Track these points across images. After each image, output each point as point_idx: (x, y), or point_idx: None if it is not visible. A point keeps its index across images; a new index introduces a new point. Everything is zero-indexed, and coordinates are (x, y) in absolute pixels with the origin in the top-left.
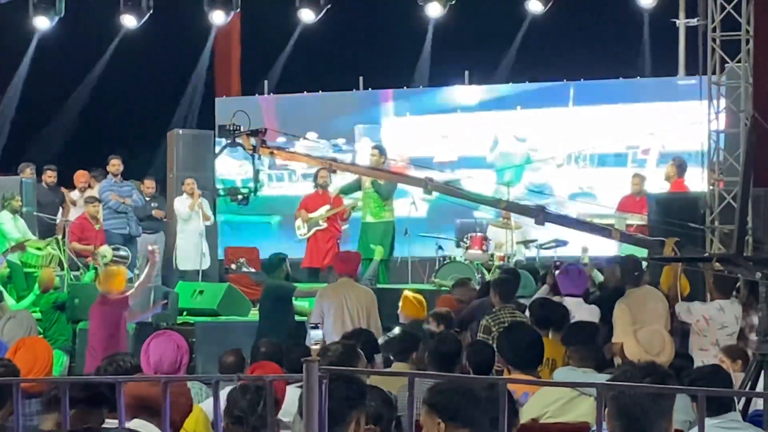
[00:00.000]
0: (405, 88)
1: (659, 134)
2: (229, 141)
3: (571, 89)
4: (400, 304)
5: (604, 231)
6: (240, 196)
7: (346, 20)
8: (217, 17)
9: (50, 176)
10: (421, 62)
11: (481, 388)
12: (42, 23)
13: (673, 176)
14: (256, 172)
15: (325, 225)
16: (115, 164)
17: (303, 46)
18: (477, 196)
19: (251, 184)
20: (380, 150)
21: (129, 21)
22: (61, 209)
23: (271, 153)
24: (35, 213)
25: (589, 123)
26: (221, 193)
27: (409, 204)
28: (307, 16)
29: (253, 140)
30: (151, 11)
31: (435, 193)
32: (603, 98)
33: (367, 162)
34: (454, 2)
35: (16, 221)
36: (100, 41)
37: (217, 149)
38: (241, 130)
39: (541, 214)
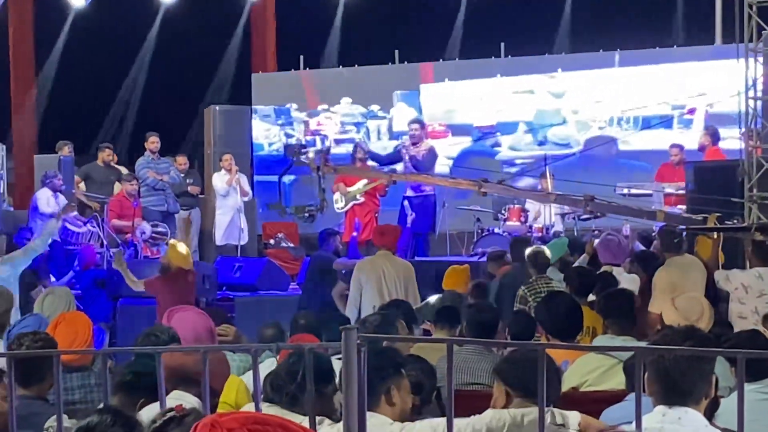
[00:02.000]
0: (441, 60)
1: (702, 96)
2: (294, 160)
3: (616, 55)
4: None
5: (650, 214)
6: (306, 214)
7: None
8: None
9: (108, 154)
10: (456, 35)
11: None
12: (77, 1)
13: (708, 145)
14: (322, 191)
15: (363, 199)
16: (153, 141)
17: (338, 21)
18: (527, 192)
19: (317, 203)
20: (420, 123)
21: None
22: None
23: (335, 170)
24: (73, 191)
25: (632, 85)
26: (289, 211)
27: (451, 178)
28: None
29: (316, 160)
30: None
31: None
32: (646, 61)
33: (407, 135)
34: None
35: (56, 199)
36: (135, 18)
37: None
38: (306, 149)
39: (590, 204)
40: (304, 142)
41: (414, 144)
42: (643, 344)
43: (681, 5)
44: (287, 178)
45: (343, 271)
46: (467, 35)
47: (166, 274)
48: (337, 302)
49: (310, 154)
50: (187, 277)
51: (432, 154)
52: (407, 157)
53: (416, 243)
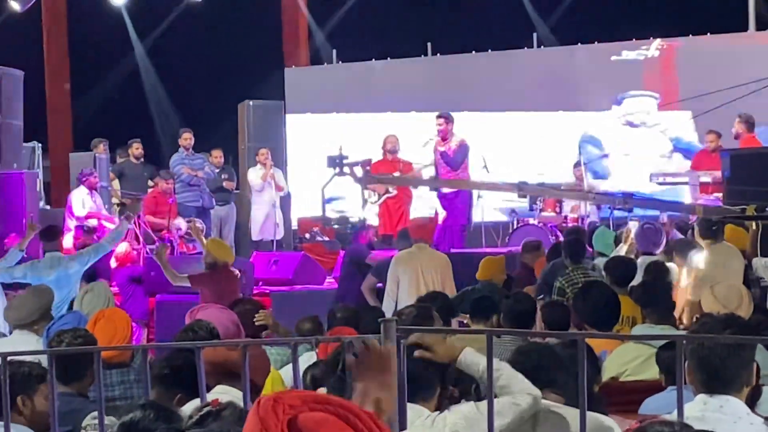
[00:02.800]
0: (473, 52)
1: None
2: (336, 171)
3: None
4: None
5: (689, 209)
6: (349, 227)
7: None
8: None
9: (137, 148)
10: (489, 26)
11: (564, 349)
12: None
13: (742, 133)
14: (364, 202)
15: (395, 191)
16: (187, 138)
17: (369, 14)
18: (565, 192)
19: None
20: (446, 117)
21: None
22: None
23: (378, 181)
24: (109, 188)
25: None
26: (333, 225)
27: (481, 168)
28: None
29: (359, 170)
30: None
31: None
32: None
33: (434, 130)
34: None
35: (92, 197)
36: (168, 14)
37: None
38: (348, 160)
39: (629, 202)
40: (343, 152)
41: (443, 139)
42: (682, 333)
43: None
44: (329, 190)
45: (374, 265)
46: (502, 25)
47: (214, 270)
48: (367, 296)
49: (357, 171)
50: (232, 272)
51: (462, 149)
52: (438, 155)
53: (452, 236)
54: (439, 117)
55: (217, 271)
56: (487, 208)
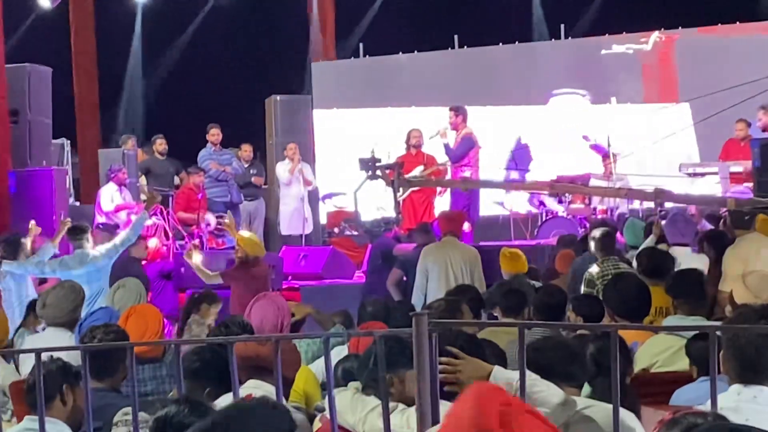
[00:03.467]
0: (500, 44)
1: None
2: (369, 174)
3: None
4: (500, 261)
5: (721, 202)
6: (383, 229)
7: None
8: None
9: (161, 144)
10: (517, 17)
11: (595, 340)
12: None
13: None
14: (398, 204)
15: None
16: (215, 134)
17: (396, 7)
18: (596, 189)
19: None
20: (456, 110)
21: None
22: (177, 179)
23: (410, 184)
24: (138, 184)
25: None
26: (366, 226)
27: (510, 160)
28: None
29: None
30: None
31: None
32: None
33: (444, 124)
34: None
35: (121, 193)
36: (195, 11)
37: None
38: (381, 162)
39: (661, 196)
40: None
41: (455, 130)
42: (714, 323)
43: None
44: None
45: (399, 259)
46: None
47: (245, 265)
48: (392, 290)
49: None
50: (263, 266)
51: (466, 142)
52: (443, 147)
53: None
54: (450, 109)
55: (247, 265)
56: (516, 200)
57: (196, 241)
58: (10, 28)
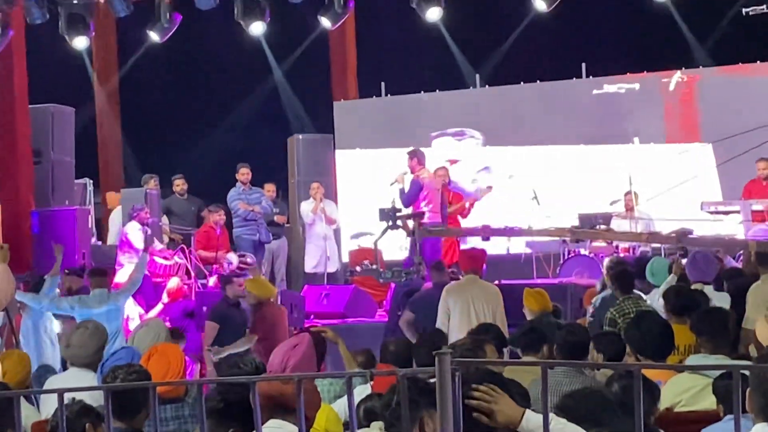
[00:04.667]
0: (522, 83)
1: None
2: (390, 224)
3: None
4: (524, 300)
5: (742, 245)
6: (404, 279)
7: (460, 18)
8: (325, 22)
9: (179, 185)
10: (538, 57)
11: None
12: (160, 36)
13: None
14: (419, 255)
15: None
16: (244, 173)
17: (417, 46)
18: (618, 234)
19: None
20: (410, 154)
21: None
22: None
23: (430, 234)
24: (161, 223)
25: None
26: (386, 276)
27: (531, 199)
28: (432, 14)
29: (411, 223)
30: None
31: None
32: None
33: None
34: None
35: (143, 232)
36: (216, 50)
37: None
38: (401, 212)
39: (683, 240)
40: (395, 205)
41: (413, 174)
42: (737, 363)
43: None
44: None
45: (409, 300)
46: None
47: (259, 309)
48: (405, 331)
49: (409, 224)
50: (278, 307)
51: (414, 186)
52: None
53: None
54: (407, 153)
55: (262, 309)
56: (537, 239)
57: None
58: (34, 69)
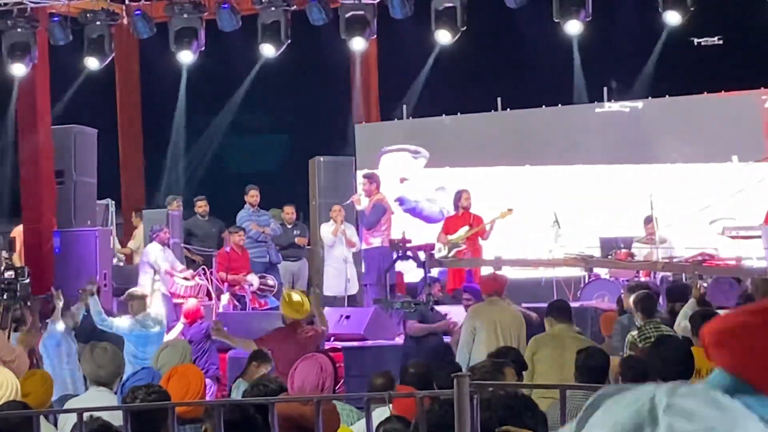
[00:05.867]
0: (543, 107)
1: None
2: (399, 255)
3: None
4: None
5: (759, 271)
6: (413, 309)
7: (481, 42)
8: (356, 44)
9: (200, 206)
10: (558, 81)
11: None
12: (185, 57)
13: None
14: (428, 285)
15: (464, 246)
16: (254, 195)
17: (439, 70)
18: (633, 263)
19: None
20: (369, 177)
21: (267, 50)
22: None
23: (440, 264)
24: (182, 245)
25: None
26: (396, 306)
27: (552, 222)
28: (443, 37)
29: (422, 254)
30: (289, 40)
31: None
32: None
33: (360, 190)
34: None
35: (164, 253)
36: (240, 73)
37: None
38: (411, 243)
39: (699, 269)
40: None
41: (369, 198)
42: None
43: None
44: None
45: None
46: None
47: (283, 328)
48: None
49: (420, 255)
50: (302, 329)
51: (377, 208)
52: (359, 214)
53: (371, 292)
54: (364, 176)
55: (284, 329)
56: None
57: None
58: (57, 91)
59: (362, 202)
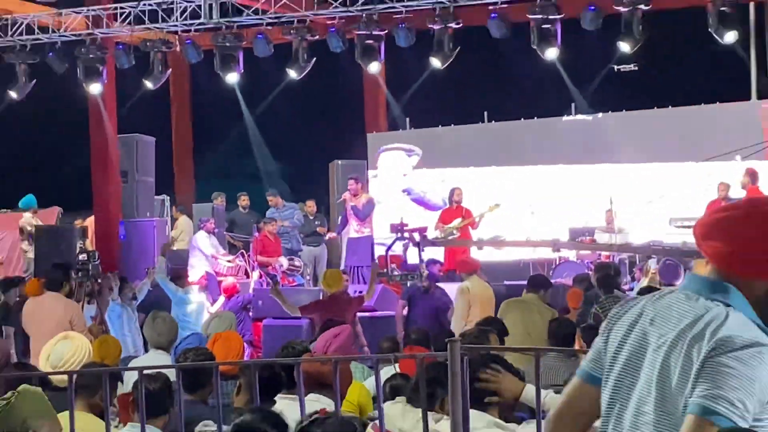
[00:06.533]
0: (522, 119)
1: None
2: (398, 236)
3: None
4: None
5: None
6: (408, 282)
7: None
8: (372, 67)
9: (243, 200)
10: (535, 97)
11: None
12: (231, 78)
13: (747, 183)
14: (422, 263)
15: (458, 234)
16: (271, 199)
17: (436, 88)
18: (593, 246)
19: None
20: (356, 179)
21: (294, 72)
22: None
23: (433, 244)
24: (226, 232)
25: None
26: (395, 278)
27: (530, 213)
28: (437, 63)
29: (416, 235)
30: (312, 64)
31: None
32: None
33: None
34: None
35: (210, 240)
36: (271, 89)
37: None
38: (408, 226)
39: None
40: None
41: (354, 196)
42: None
43: None
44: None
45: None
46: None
47: (323, 299)
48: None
49: (415, 236)
50: (340, 299)
51: (370, 204)
52: (349, 207)
53: (356, 274)
54: (350, 178)
55: (324, 300)
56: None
57: (278, 281)
58: (121, 105)
59: (353, 199)
